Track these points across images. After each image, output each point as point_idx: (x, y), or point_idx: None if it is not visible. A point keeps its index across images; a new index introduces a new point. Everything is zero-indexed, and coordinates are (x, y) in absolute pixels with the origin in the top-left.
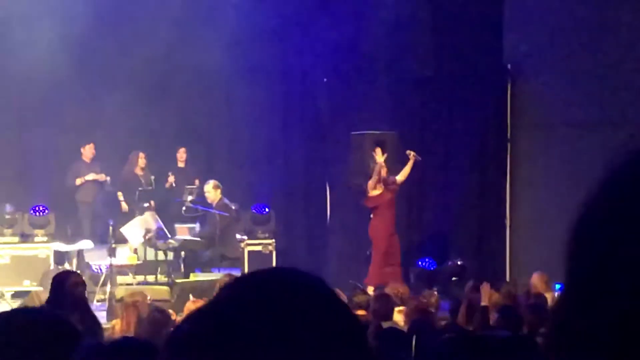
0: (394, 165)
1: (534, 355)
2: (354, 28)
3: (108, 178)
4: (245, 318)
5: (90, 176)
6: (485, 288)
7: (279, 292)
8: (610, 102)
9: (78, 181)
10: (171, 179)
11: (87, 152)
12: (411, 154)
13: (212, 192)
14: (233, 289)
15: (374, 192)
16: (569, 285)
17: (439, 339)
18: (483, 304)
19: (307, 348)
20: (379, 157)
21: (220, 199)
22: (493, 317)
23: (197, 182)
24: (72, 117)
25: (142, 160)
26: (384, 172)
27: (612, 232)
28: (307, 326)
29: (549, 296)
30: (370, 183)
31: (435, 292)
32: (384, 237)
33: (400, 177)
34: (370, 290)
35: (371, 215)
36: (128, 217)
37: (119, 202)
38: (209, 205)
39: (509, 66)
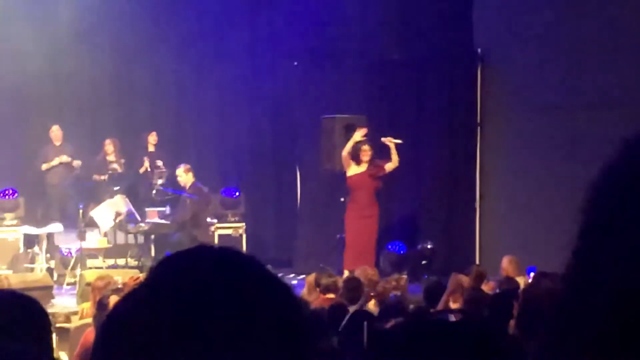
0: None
1: (489, 339)
2: (323, 12)
3: (78, 162)
4: (177, 298)
5: (56, 161)
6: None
7: (209, 270)
8: (580, 86)
9: (44, 166)
10: (146, 163)
11: (55, 134)
12: (388, 139)
13: (183, 175)
14: (164, 269)
15: (352, 171)
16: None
17: (386, 325)
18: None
19: (237, 326)
20: (358, 136)
21: (193, 183)
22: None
23: (158, 162)
24: (40, 101)
25: (109, 146)
26: (366, 154)
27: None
28: (239, 303)
29: (520, 280)
30: (345, 156)
31: (404, 276)
32: (357, 221)
33: (391, 165)
34: (346, 274)
35: (343, 199)
36: (98, 200)
37: (88, 186)
38: (180, 189)
39: (479, 50)
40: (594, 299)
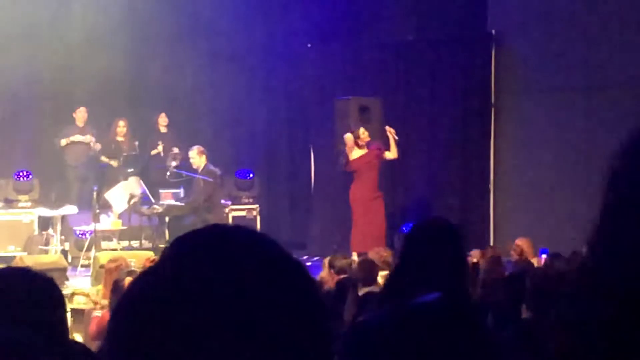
0: (380, 131)
1: (467, 316)
2: None
3: (98, 145)
4: (192, 275)
5: (76, 137)
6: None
7: (222, 248)
8: (594, 67)
9: (63, 142)
10: (160, 147)
11: (79, 115)
12: (388, 130)
13: (196, 158)
14: (178, 248)
15: (355, 155)
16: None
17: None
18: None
19: (251, 305)
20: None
21: (206, 165)
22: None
23: (175, 149)
24: (54, 83)
25: (121, 129)
26: (363, 138)
27: None
28: (256, 283)
29: (534, 261)
30: (349, 145)
31: None
32: (364, 202)
33: (390, 156)
34: (355, 256)
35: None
36: (112, 182)
37: (102, 168)
38: (193, 171)
39: (493, 31)
40: (611, 282)
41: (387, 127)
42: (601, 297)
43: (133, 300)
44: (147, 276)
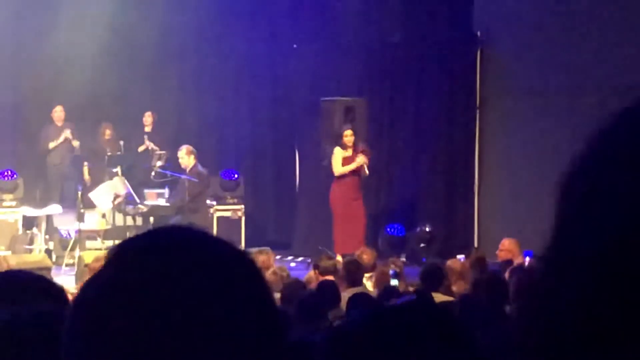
0: (365, 131)
1: (445, 319)
2: None
3: (77, 142)
4: (132, 277)
5: (62, 137)
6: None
7: (169, 251)
8: (578, 70)
9: (51, 145)
10: (147, 142)
11: (57, 114)
12: (364, 155)
13: (185, 157)
14: (125, 251)
15: (340, 155)
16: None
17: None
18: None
19: (200, 308)
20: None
21: (194, 165)
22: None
23: (155, 147)
24: (39, 82)
25: (108, 132)
26: (349, 140)
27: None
28: (197, 283)
29: (519, 262)
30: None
31: (402, 259)
32: (344, 204)
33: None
34: (339, 258)
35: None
36: (97, 182)
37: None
38: (179, 171)
39: (478, 33)
40: (572, 279)
41: (361, 153)
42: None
43: (83, 306)
44: (96, 281)
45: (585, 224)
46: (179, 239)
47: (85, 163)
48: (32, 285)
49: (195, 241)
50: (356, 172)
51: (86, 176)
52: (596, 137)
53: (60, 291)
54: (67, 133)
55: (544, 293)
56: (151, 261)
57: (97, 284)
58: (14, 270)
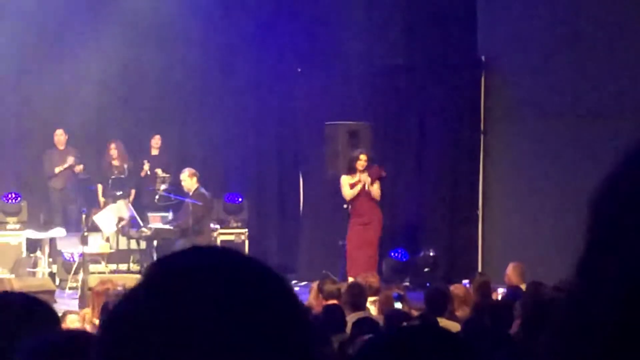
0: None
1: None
2: (327, 18)
3: (80, 167)
4: (173, 298)
5: (67, 163)
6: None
7: (203, 270)
8: (584, 93)
9: (57, 170)
10: (146, 166)
11: (58, 138)
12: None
13: (187, 180)
14: (159, 269)
15: (349, 181)
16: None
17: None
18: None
19: (232, 326)
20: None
21: (197, 188)
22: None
23: (160, 171)
24: (42, 104)
25: (113, 151)
26: (361, 164)
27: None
28: (234, 302)
29: (524, 288)
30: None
31: (406, 284)
32: (353, 228)
33: (374, 193)
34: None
35: (345, 206)
36: (100, 205)
37: (91, 190)
38: (182, 194)
39: (482, 57)
40: (596, 317)
41: (380, 170)
42: (587, 332)
43: (115, 323)
44: (127, 299)
45: (615, 251)
46: (217, 259)
47: (99, 185)
48: (22, 306)
49: (232, 262)
50: (367, 195)
51: (101, 198)
52: (625, 161)
53: (49, 311)
54: (70, 160)
55: (576, 316)
56: (188, 283)
57: (131, 304)
58: (9, 293)
